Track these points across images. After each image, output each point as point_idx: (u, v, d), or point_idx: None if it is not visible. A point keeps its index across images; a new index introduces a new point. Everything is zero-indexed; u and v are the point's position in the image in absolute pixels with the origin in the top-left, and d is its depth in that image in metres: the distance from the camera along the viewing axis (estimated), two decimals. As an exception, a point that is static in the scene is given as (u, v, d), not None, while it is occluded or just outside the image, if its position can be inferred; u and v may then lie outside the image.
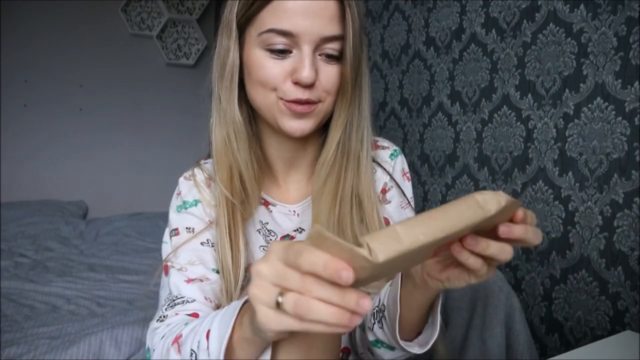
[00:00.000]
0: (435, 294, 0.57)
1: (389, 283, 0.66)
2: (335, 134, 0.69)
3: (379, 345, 0.66)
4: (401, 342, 0.61)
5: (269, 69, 0.64)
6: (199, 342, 0.50)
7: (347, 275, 0.34)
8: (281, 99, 0.65)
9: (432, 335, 0.59)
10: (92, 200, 2.89)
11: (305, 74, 0.61)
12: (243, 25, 0.66)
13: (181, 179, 0.76)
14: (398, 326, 0.60)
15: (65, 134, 2.81)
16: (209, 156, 0.79)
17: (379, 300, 0.66)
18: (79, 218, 2.66)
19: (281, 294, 0.37)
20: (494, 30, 1.42)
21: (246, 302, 0.48)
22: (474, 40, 1.49)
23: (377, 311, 0.66)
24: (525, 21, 1.31)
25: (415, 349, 0.61)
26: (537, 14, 1.28)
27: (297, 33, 0.61)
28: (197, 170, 0.76)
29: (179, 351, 0.53)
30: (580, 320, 1.16)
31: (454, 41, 1.57)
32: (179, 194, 0.74)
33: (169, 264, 0.68)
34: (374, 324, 0.67)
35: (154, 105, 3.02)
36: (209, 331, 0.49)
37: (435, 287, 0.53)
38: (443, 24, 1.61)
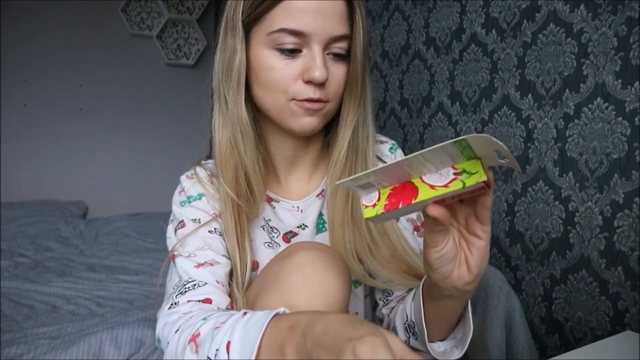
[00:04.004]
0: (467, 299, 0.58)
1: (411, 295, 0.67)
2: (346, 133, 0.70)
3: (420, 352, 0.67)
4: (439, 354, 0.62)
5: (279, 70, 0.63)
6: (217, 350, 0.48)
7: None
8: (293, 99, 0.65)
9: (467, 332, 0.60)
10: (92, 200, 2.89)
11: (318, 73, 0.62)
12: (248, 25, 0.65)
13: (183, 177, 0.76)
14: (428, 338, 0.62)
15: (65, 134, 2.81)
16: (208, 157, 0.79)
17: (407, 316, 0.67)
18: (79, 218, 2.66)
19: None
20: (494, 31, 1.42)
21: (273, 317, 0.47)
22: (474, 40, 1.49)
23: (407, 327, 0.67)
24: (525, 21, 1.31)
25: (456, 353, 0.61)
26: (537, 14, 1.28)
27: (308, 33, 0.61)
28: (198, 169, 0.76)
29: (197, 351, 0.51)
30: (580, 321, 1.16)
31: (454, 41, 1.57)
32: (181, 190, 0.74)
33: (175, 253, 0.68)
34: (409, 337, 0.67)
35: (154, 105, 3.02)
36: (229, 343, 0.47)
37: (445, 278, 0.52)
38: (443, 24, 1.61)
